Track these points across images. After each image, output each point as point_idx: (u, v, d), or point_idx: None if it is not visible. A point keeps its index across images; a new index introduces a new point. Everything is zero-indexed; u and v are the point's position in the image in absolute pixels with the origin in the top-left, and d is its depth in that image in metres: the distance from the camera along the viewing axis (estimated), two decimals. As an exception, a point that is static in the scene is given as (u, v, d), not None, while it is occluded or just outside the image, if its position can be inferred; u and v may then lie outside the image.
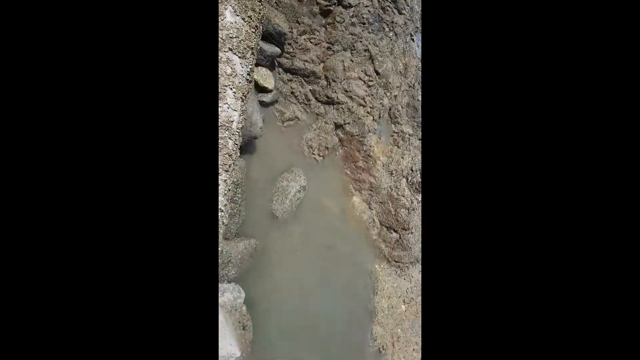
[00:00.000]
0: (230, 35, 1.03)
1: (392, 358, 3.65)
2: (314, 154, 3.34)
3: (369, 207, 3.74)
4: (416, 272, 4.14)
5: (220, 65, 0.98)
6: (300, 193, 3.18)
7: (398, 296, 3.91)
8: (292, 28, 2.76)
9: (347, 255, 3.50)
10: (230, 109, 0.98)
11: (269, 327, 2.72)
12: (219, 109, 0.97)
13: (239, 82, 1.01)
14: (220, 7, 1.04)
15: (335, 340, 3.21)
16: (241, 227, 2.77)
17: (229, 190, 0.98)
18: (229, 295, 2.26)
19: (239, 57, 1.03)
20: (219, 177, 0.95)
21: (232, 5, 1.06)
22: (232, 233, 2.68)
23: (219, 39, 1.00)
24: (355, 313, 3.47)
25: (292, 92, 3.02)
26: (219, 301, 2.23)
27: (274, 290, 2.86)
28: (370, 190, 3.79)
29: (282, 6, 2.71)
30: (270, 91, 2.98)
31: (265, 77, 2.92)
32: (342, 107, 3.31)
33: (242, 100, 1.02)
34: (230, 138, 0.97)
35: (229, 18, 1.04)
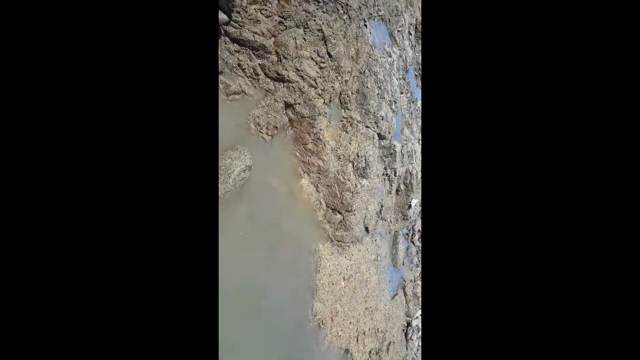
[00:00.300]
0: (238, 4, 0.81)
1: (331, 332, 3.82)
2: (261, 132, 3.14)
3: (317, 190, 3.73)
4: (356, 251, 4.33)
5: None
6: (246, 173, 3.00)
7: (338, 273, 4.07)
8: (240, -7, 2.46)
9: (293, 236, 3.48)
10: None
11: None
12: None
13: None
14: None
15: (278, 316, 3.22)
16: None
17: None
18: None
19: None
20: None
21: None
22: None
23: None
24: (298, 290, 3.51)
25: (239, 65, 2.75)
26: None
27: (221, 270, 2.68)
28: (319, 174, 3.77)
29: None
30: (215, 60, 2.65)
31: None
32: (292, 86, 3.15)
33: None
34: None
35: None
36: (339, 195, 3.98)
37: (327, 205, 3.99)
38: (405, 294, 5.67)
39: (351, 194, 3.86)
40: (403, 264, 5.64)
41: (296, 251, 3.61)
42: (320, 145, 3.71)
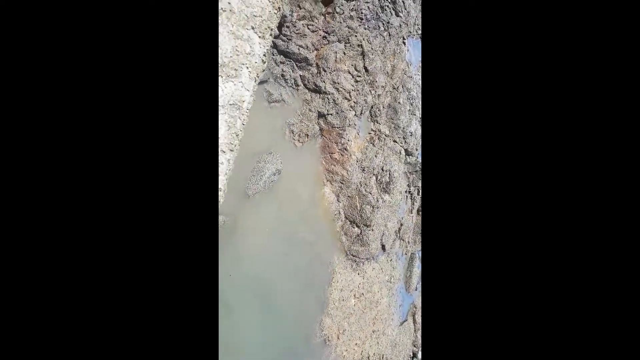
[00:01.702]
0: (255, 13, 1.11)
1: (335, 351, 3.94)
2: (294, 139, 3.44)
3: (337, 200, 3.97)
4: (370, 269, 4.49)
5: (241, 42, 1.06)
6: (275, 176, 3.30)
7: (350, 290, 4.21)
8: (292, 11, 2.81)
9: (310, 243, 3.70)
10: (243, 88, 1.07)
11: (227, 292, 2.83)
12: (234, 88, 1.05)
13: (255, 62, 1.10)
14: None
15: (285, 325, 3.41)
16: (212, 201, 2.79)
17: (230, 170, 1.07)
18: None
19: (259, 37, 1.11)
20: (223, 156, 1.03)
21: None
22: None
23: (244, 16, 1.07)
24: (308, 301, 3.69)
25: (282, 75, 3.09)
26: None
27: (236, 266, 2.96)
28: (341, 183, 4.01)
29: (287, -13, 2.76)
30: (262, 70, 3.00)
31: (258, 53, 2.93)
32: (327, 97, 3.46)
33: (255, 81, 1.10)
34: (239, 117, 1.07)
35: None
36: (359, 208, 4.19)
37: (346, 217, 4.20)
38: (414, 321, 5.70)
39: (371, 208, 4.07)
40: (416, 289, 5.68)
41: (310, 260, 3.81)
42: (346, 156, 3.97)
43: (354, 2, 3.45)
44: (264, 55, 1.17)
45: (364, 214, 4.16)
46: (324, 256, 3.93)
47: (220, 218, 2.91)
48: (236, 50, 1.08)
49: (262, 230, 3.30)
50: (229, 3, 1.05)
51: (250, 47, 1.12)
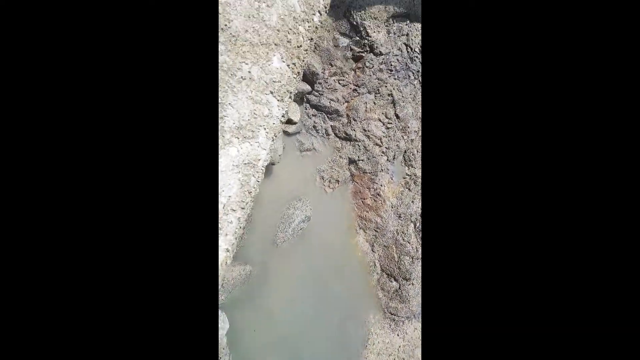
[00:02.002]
0: (274, 79, 1.20)
1: None
2: (324, 185, 3.47)
3: (372, 250, 3.79)
4: (411, 329, 4.07)
5: (258, 106, 1.13)
6: (304, 223, 3.29)
7: (388, 354, 3.81)
8: (324, 69, 3.04)
9: (343, 298, 3.50)
10: (259, 148, 1.12)
11: (250, 349, 2.68)
12: (250, 147, 1.11)
13: (273, 123, 1.15)
14: (270, 53, 1.22)
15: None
16: (239, 251, 2.83)
17: (240, 228, 1.08)
18: None
19: (278, 100, 1.19)
20: (233, 214, 1.06)
21: (281, 52, 1.23)
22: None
23: (263, 83, 1.16)
24: (340, 366, 3.37)
25: (314, 126, 3.25)
26: None
27: (262, 320, 2.86)
28: (376, 231, 3.86)
29: (319, 50, 3.04)
30: (295, 123, 3.22)
31: (293, 110, 3.17)
32: (358, 145, 3.52)
33: (272, 140, 1.16)
34: (253, 175, 1.10)
35: (275, 64, 1.23)
36: (396, 259, 3.95)
37: (382, 269, 3.96)
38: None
39: (411, 259, 3.80)
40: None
41: (342, 317, 3.58)
42: (380, 201, 3.86)
43: (383, 57, 3.64)
44: (282, 116, 1.24)
45: (402, 266, 3.90)
46: (359, 313, 3.66)
47: (247, 268, 2.92)
48: (254, 113, 1.16)
49: (291, 282, 3.21)
50: (249, 72, 1.16)
51: (269, 109, 1.20)
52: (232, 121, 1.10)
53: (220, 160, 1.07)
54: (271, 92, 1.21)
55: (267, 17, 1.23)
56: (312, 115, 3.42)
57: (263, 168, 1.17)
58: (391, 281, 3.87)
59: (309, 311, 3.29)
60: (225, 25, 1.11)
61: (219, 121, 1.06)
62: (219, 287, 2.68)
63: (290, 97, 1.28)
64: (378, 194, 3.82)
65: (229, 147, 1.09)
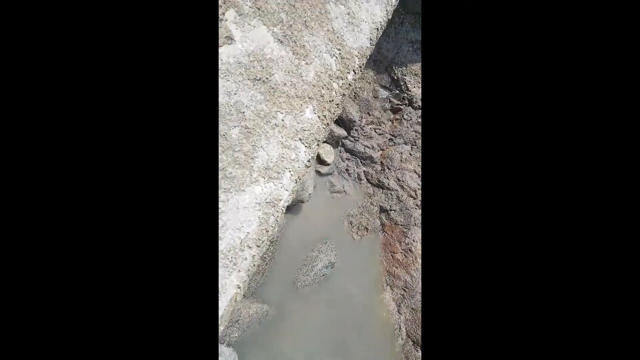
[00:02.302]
0: (304, 128, 1.32)
1: None
2: (352, 231, 3.43)
3: (399, 311, 3.54)
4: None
5: (287, 151, 1.24)
6: (328, 269, 3.22)
7: None
8: (362, 117, 3.21)
9: (363, 359, 3.21)
10: (282, 189, 1.20)
11: None
12: (274, 187, 1.20)
13: (298, 167, 1.25)
14: (303, 105, 1.36)
15: None
16: (260, 288, 2.83)
17: (254, 265, 1.13)
18: None
19: (305, 147, 1.29)
20: (248, 251, 1.12)
21: (314, 105, 1.37)
22: (250, 291, 2.74)
23: (294, 130, 1.28)
24: None
25: (346, 170, 3.34)
26: None
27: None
28: (404, 290, 3.64)
29: (359, 99, 3.23)
30: (328, 164, 3.34)
31: (327, 152, 3.31)
32: (391, 194, 3.50)
33: (296, 182, 1.24)
34: (273, 214, 1.17)
35: (307, 115, 1.35)
36: (425, 323, 3.59)
37: (407, 334, 3.65)
38: None
39: (440, 326, 3.44)
40: None
41: (361, 381, 3.27)
42: (411, 258, 3.69)
43: (421, 110, 3.75)
44: (308, 161, 1.34)
45: (430, 331, 3.53)
46: (378, 380, 3.32)
47: (264, 307, 2.89)
48: (282, 157, 1.28)
49: (307, 330, 3.08)
50: (283, 120, 1.30)
51: (296, 154, 1.31)
52: (262, 162, 1.23)
53: (244, 197, 1.17)
54: (300, 139, 1.33)
55: (305, 73, 1.40)
56: (346, 158, 3.53)
57: (283, 208, 1.25)
58: (417, 350, 3.51)
59: (323, 366, 3.08)
60: (267, 77, 1.29)
61: (250, 161, 1.19)
62: (234, 322, 2.66)
63: (317, 145, 1.38)
64: (410, 250, 3.67)
65: (255, 185, 1.20)
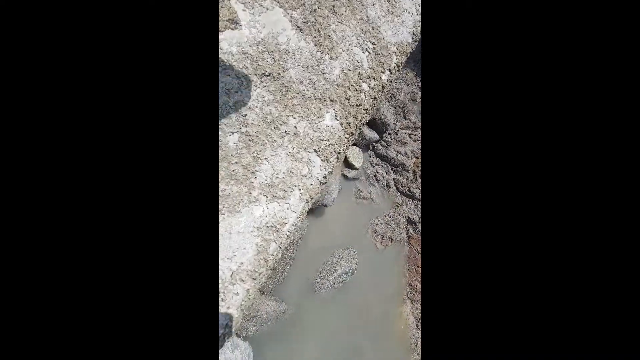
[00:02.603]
0: (322, 137, 1.02)
1: None
2: (376, 240, 3.09)
3: (417, 326, 3.15)
4: None
5: (297, 164, 0.95)
6: (347, 276, 2.93)
7: None
8: (397, 121, 2.81)
9: (373, 368, 2.93)
10: (289, 210, 0.91)
11: None
12: (278, 208, 0.92)
13: (311, 184, 0.95)
14: (323, 109, 1.05)
15: None
16: (278, 286, 2.64)
17: (250, 299, 0.87)
18: (237, 354, 2.09)
19: (321, 160, 0.99)
20: (241, 285, 0.85)
21: (336, 109, 1.05)
22: (269, 289, 2.57)
23: (308, 140, 0.98)
24: None
25: (375, 176, 2.97)
26: (227, 356, 2.07)
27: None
28: (427, 302, 3.19)
29: (395, 101, 2.83)
30: (356, 169, 3.00)
31: (356, 156, 2.97)
32: (420, 204, 3.04)
33: (307, 202, 0.95)
34: (275, 241, 0.89)
35: (326, 121, 1.04)
36: (446, 342, 3.18)
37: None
38: None
39: (464, 351, 3.01)
40: None
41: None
42: (438, 272, 3.23)
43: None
44: (324, 177, 1.04)
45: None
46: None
47: (282, 305, 2.69)
48: (291, 172, 0.99)
49: (322, 333, 2.85)
50: (295, 127, 1.01)
51: (309, 169, 1.02)
52: (265, 177, 0.94)
53: (240, 219, 0.90)
54: (315, 151, 1.03)
55: (329, 70, 1.08)
56: (376, 164, 3.16)
57: (289, 233, 0.97)
58: (436, 366, 3.12)
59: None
60: (279, 74, 0.99)
61: (251, 176, 0.91)
62: (252, 318, 2.51)
63: (337, 158, 1.08)
64: (437, 260, 3.23)
65: (255, 205, 0.91)
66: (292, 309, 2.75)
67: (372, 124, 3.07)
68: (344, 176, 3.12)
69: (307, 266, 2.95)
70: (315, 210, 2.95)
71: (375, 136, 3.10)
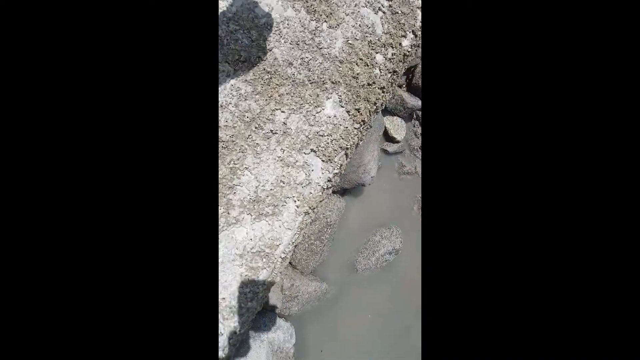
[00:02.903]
0: (321, 132, 0.73)
1: None
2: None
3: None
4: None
5: (290, 170, 0.70)
6: (391, 255, 2.69)
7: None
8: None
9: (418, 350, 2.74)
10: (283, 227, 0.69)
11: None
12: (267, 227, 0.70)
13: (310, 193, 0.70)
14: (322, 95, 0.75)
15: None
16: (319, 267, 2.55)
17: (238, 333, 0.70)
18: (280, 334, 2.08)
19: (323, 161, 0.72)
20: (225, 324, 0.68)
21: (340, 94, 0.75)
22: (309, 270, 2.50)
23: (303, 138, 0.71)
24: None
25: (420, 147, 2.50)
26: (270, 336, 2.08)
27: (329, 342, 2.54)
28: (483, 280, 2.78)
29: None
30: (398, 142, 2.58)
31: (397, 127, 2.53)
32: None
33: (306, 215, 0.71)
34: (266, 267, 0.68)
35: (327, 111, 0.75)
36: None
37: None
38: None
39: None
40: None
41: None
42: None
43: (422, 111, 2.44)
44: (329, 180, 0.77)
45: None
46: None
47: (324, 285, 2.62)
48: (281, 181, 0.74)
49: (365, 314, 2.73)
50: (285, 123, 0.74)
51: (306, 174, 0.75)
52: (247, 191, 0.72)
53: (219, 245, 0.72)
54: (313, 151, 0.75)
55: (327, 42, 0.75)
56: (421, 134, 2.67)
57: (284, 255, 0.76)
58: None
59: (379, 351, 2.75)
60: (259, 57, 0.71)
61: (228, 192, 0.70)
62: (294, 298, 2.51)
63: (346, 155, 0.79)
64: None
65: (235, 227, 0.70)
66: (334, 289, 2.66)
67: (413, 89, 2.54)
68: (384, 151, 2.73)
69: (347, 247, 2.78)
70: (353, 190, 2.68)
71: (419, 103, 2.57)
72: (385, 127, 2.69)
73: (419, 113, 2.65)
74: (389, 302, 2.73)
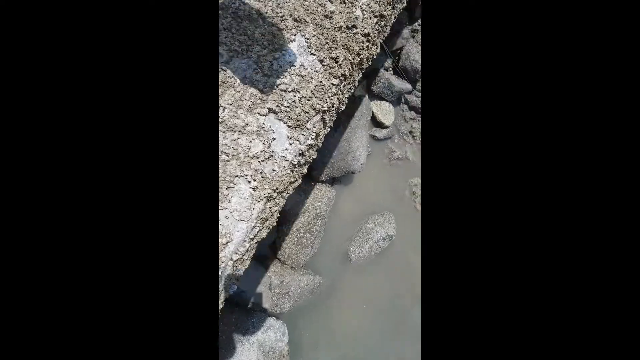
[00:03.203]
0: (283, 87, 0.48)
1: None
2: (415, 201, 2.53)
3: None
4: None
5: (237, 137, 0.45)
6: (385, 242, 2.47)
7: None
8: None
9: (419, 332, 2.56)
10: (232, 218, 0.44)
11: None
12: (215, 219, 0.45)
13: (272, 170, 0.46)
14: (281, 36, 0.50)
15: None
16: (311, 259, 2.30)
17: None
18: (271, 334, 1.83)
19: (289, 127, 0.47)
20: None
21: (307, 36, 0.49)
22: (300, 264, 2.25)
23: (260, 92, 0.46)
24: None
25: (410, 132, 2.27)
26: (260, 337, 1.82)
27: (325, 336, 2.32)
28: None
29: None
30: (387, 127, 2.33)
31: (385, 112, 2.28)
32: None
33: (269, 201, 0.47)
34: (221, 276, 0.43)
35: (289, 57, 0.49)
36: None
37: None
38: None
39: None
40: None
41: (418, 354, 2.68)
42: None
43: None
44: (301, 154, 0.53)
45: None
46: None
47: (317, 278, 2.39)
48: (223, 153, 0.48)
49: (361, 303, 2.52)
50: (223, 69, 0.48)
51: (265, 144, 0.49)
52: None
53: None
54: (273, 111, 0.50)
55: None
56: (410, 118, 2.43)
57: (239, 257, 0.51)
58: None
59: (378, 339, 2.56)
60: None
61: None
62: (284, 295, 2.28)
63: (322, 122, 0.54)
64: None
65: None
66: (328, 281, 2.44)
67: (402, 72, 2.28)
68: (373, 137, 2.49)
69: (340, 237, 2.56)
70: (342, 178, 2.44)
71: (407, 86, 2.32)
72: (373, 112, 2.43)
73: (407, 97, 2.41)
74: (385, 288, 2.53)
